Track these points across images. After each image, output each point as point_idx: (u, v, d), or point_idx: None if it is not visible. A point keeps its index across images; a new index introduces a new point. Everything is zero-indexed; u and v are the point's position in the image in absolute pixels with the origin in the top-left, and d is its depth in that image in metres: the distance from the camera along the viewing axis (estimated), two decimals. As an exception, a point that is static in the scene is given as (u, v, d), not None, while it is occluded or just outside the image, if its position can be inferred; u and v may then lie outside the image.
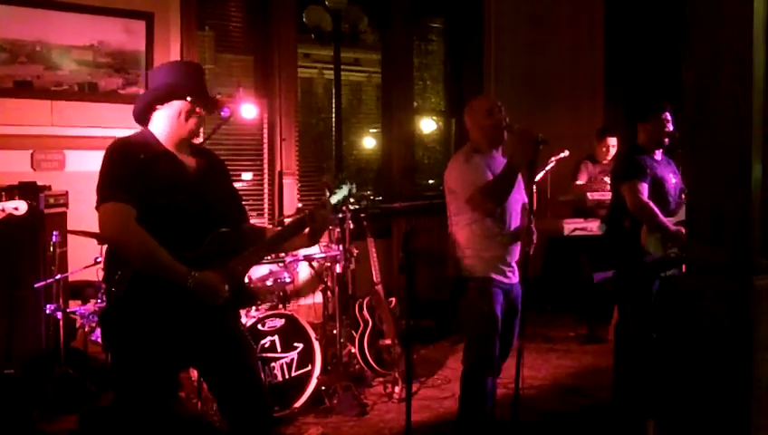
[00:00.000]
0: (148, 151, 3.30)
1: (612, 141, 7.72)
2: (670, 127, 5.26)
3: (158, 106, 3.38)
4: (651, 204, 5.09)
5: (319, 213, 3.55)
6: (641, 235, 5.10)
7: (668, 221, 5.11)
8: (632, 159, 5.28)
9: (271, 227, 5.13)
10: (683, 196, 5.32)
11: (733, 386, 3.17)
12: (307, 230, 3.57)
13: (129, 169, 3.20)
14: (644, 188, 5.12)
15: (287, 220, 6.34)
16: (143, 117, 3.44)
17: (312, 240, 3.66)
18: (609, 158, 7.66)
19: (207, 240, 3.32)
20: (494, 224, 4.43)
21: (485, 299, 4.40)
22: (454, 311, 4.66)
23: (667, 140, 5.26)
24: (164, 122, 3.38)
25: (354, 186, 3.73)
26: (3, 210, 4.25)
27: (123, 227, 3.14)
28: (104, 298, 5.38)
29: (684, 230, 5.03)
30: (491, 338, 4.41)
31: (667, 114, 5.26)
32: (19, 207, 4.33)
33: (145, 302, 3.18)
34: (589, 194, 7.49)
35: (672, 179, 5.28)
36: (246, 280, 4.26)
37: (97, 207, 3.19)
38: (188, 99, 3.37)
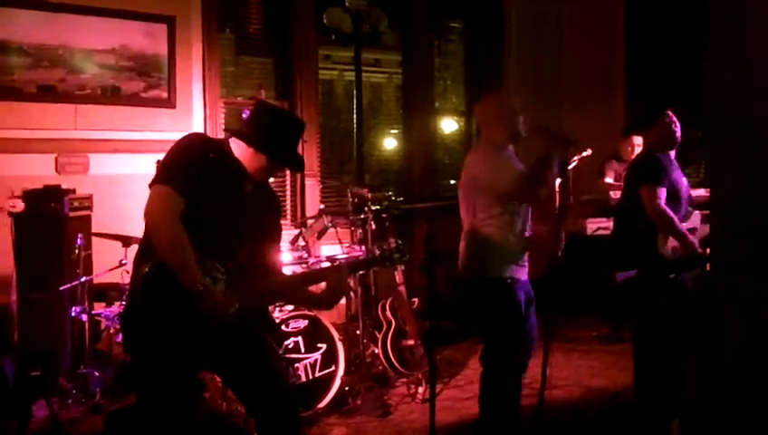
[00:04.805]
0: (221, 157, 3.37)
1: (638, 140, 7.64)
2: (678, 126, 5.19)
3: (252, 145, 3.42)
4: (669, 211, 4.97)
5: (335, 275, 3.61)
6: (658, 240, 5.05)
7: (685, 228, 5.05)
8: (651, 160, 5.13)
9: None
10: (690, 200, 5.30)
11: (752, 386, 3.16)
12: (324, 285, 3.62)
13: (195, 163, 3.25)
14: (662, 193, 4.98)
15: (309, 222, 6.36)
16: (232, 134, 3.51)
17: (327, 301, 3.70)
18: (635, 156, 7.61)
19: (236, 261, 3.35)
20: (518, 219, 4.40)
21: (511, 300, 4.37)
22: (473, 313, 4.61)
23: (678, 138, 5.19)
24: (243, 154, 3.44)
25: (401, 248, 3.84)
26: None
27: (166, 211, 3.16)
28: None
29: (697, 244, 5.03)
30: (518, 341, 4.40)
31: (671, 115, 5.20)
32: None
33: (162, 300, 3.21)
34: (612, 193, 7.46)
35: (684, 183, 5.21)
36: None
37: (151, 185, 3.23)
38: (276, 160, 3.47)
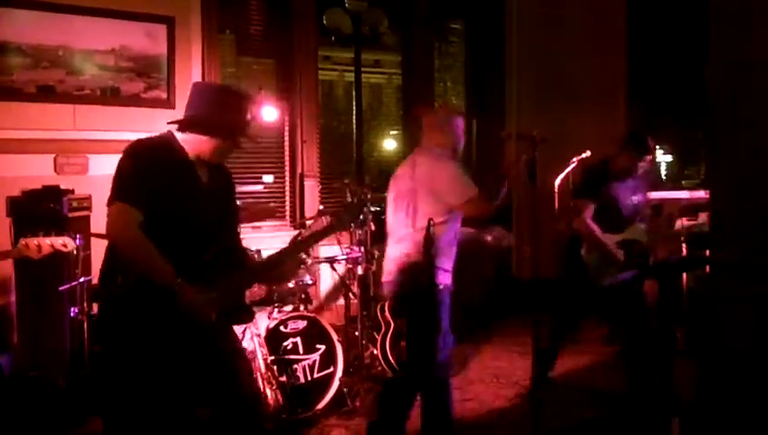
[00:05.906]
0: (169, 157, 3.34)
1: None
2: (646, 163, 5.44)
3: (202, 133, 3.38)
4: (591, 224, 5.24)
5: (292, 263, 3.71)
6: (581, 249, 5.32)
7: (609, 239, 5.28)
8: (588, 176, 5.42)
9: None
10: (645, 212, 5.53)
11: (753, 387, 3.15)
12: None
13: (145, 171, 3.23)
14: (589, 207, 5.27)
15: (308, 223, 6.35)
16: (179, 128, 3.44)
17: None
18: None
19: (210, 253, 3.36)
20: (456, 226, 4.50)
21: (444, 309, 4.46)
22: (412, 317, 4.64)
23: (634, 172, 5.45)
24: (196, 140, 3.40)
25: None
26: (51, 245, 4.33)
27: (124, 226, 3.17)
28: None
29: (622, 255, 5.28)
30: (437, 341, 4.48)
31: (649, 157, 5.44)
32: (67, 243, 4.43)
33: (142, 306, 3.20)
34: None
35: (629, 199, 5.39)
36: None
37: (108, 205, 3.23)
38: (232, 138, 3.43)
